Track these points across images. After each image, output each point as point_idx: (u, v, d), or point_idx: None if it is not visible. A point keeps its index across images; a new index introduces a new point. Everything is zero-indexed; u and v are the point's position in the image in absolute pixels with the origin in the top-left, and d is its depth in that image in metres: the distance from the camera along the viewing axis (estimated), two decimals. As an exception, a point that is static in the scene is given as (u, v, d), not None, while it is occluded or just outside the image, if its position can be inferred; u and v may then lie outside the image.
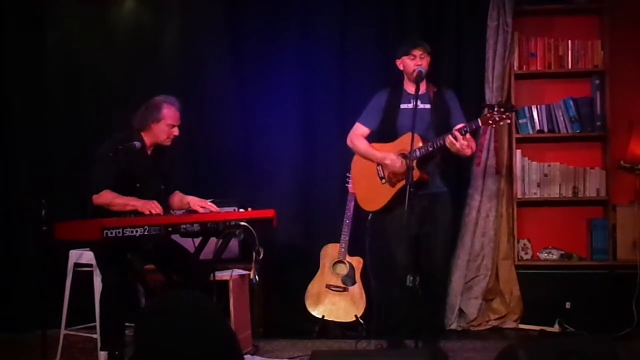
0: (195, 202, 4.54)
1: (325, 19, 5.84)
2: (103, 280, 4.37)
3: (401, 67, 4.72)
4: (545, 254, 5.70)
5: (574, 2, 5.65)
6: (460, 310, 5.62)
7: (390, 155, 4.63)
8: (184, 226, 4.08)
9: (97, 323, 4.52)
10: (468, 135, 4.52)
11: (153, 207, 4.18)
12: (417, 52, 4.62)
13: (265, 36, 5.89)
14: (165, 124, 4.48)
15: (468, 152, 4.49)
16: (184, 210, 4.50)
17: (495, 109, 4.31)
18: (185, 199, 4.60)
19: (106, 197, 4.24)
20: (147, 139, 4.51)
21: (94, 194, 4.26)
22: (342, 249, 5.44)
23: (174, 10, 6.00)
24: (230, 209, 4.82)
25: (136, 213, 4.15)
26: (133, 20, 6.01)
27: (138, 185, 4.42)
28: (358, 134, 4.83)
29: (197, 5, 5.97)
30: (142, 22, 6.01)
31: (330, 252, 5.51)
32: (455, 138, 4.37)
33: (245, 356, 4.69)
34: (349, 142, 4.88)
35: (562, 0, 5.68)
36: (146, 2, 6.02)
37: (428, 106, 4.68)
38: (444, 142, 4.42)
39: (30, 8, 5.94)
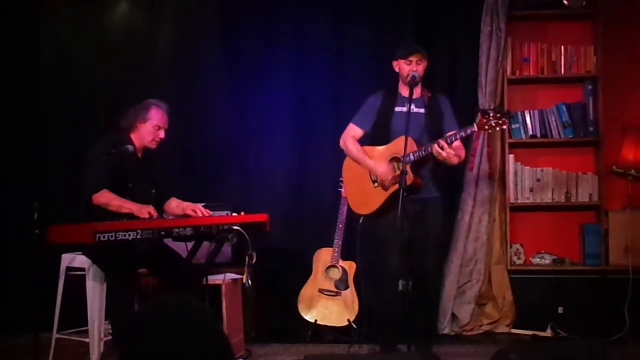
0: (188, 206, 4.56)
1: (319, 24, 5.86)
2: (106, 279, 4.49)
3: (397, 70, 4.73)
4: (538, 259, 5.71)
5: (567, 8, 5.66)
6: (453, 315, 5.62)
7: (382, 165, 4.63)
8: (177, 230, 4.09)
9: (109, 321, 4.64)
10: (458, 144, 4.55)
11: (150, 211, 4.19)
12: (414, 58, 4.63)
13: (259, 40, 5.90)
14: (151, 125, 4.53)
15: (455, 161, 4.51)
16: (175, 216, 4.51)
17: (492, 115, 4.32)
18: (182, 205, 4.61)
19: (106, 197, 4.28)
20: (136, 141, 4.55)
21: (94, 193, 4.29)
22: (335, 254, 5.44)
23: (168, 14, 6.00)
24: (223, 213, 4.81)
25: (130, 217, 4.16)
26: (128, 23, 6.01)
27: (130, 185, 4.44)
28: (351, 136, 4.83)
29: (191, 9, 5.98)
30: (136, 25, 6.02)
31: (324, 256, 5.51)
32: (442, 148, 4.38)
33: (238, 361, 4.69)
34: (342, 144, 4.88)
35: (556, 6, 5.69)
36: (141, 6, 6.03)
37: (423, 111, 4.69)
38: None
39: (26, 11, 5.93)
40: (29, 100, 5.94)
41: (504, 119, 4.32)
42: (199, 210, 4.50)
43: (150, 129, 4.53)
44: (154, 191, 4.61)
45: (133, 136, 4.55)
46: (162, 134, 4.57)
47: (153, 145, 4.58)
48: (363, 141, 4.84)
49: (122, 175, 4.41)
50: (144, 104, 4.59)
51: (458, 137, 4.46)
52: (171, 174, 5.52)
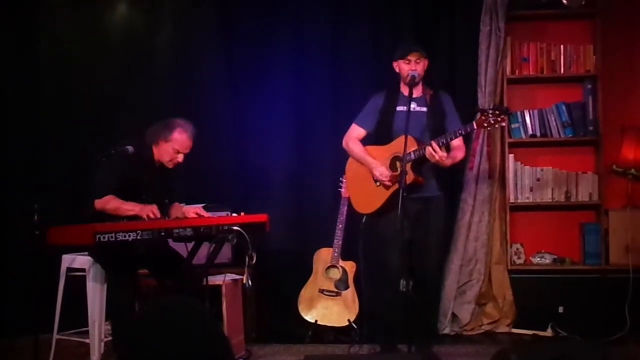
0: (187, 209, 4.56)
1: (318, 25, 5.85)
2: (107, 280, 4.48)
3: (397, 70, 4.74)
4: (538, 259, 5.71)
5: (566, 7, 5.66)
6: (453, 315, 5.62)
7: (381, 167, 4.63)
8: (177, 231, 4.09)
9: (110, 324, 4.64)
10: (458, 143, 4.58)
11: (152, 210, 4.19)
12: (412, 57, 4.63)
13: (258, 40, 5.90)
14: (171, 147, 4.49)
15: (448, 163, 4.52)
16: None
17: (491, 112, 4.32)
18: (181, 208, 4.60)
19: (107, 202, 4.26)
20: (157, 155, 4.53)
21: (96, 198, 4.28)
22: (335, 254, 5.44)
23: (168, 15, 6.00)
24: (223, 213, 4.82)
25: (131, 217, 4.16)
26: (127, 24, 6.01)
27: (144, 197, 4.42)
28: (353, 136, 4.84)
29: (190, 9, 5.98)
30: (135, 28, 6.01)
31: (323, 256, 5.50)
32: (435, 151, 4.38)
33: (238, 361, 4.69)
34: (344, 144, 4.89)
35: (555, 5, 5.68)
36: (139, 9, 6.02)
37: (424, 109, 4.69)
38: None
39: (24, 11, 5.93)
40: (29, 101, 5.93)
41: (502, 116, 4.31)
42: (200, 212, 4.51)
43: (169, 150, 4.49)
44: (167, 201, 4.60)
45: (155, 149, 4.53)
46: (180, 158, 4.52)
47: (170, 166, 4.54)
48: (366, 140, 4.84)
49: (136, 186, 4.40)
50: (170, 121, 4.53)
51: (457, 134, 4.47)
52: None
